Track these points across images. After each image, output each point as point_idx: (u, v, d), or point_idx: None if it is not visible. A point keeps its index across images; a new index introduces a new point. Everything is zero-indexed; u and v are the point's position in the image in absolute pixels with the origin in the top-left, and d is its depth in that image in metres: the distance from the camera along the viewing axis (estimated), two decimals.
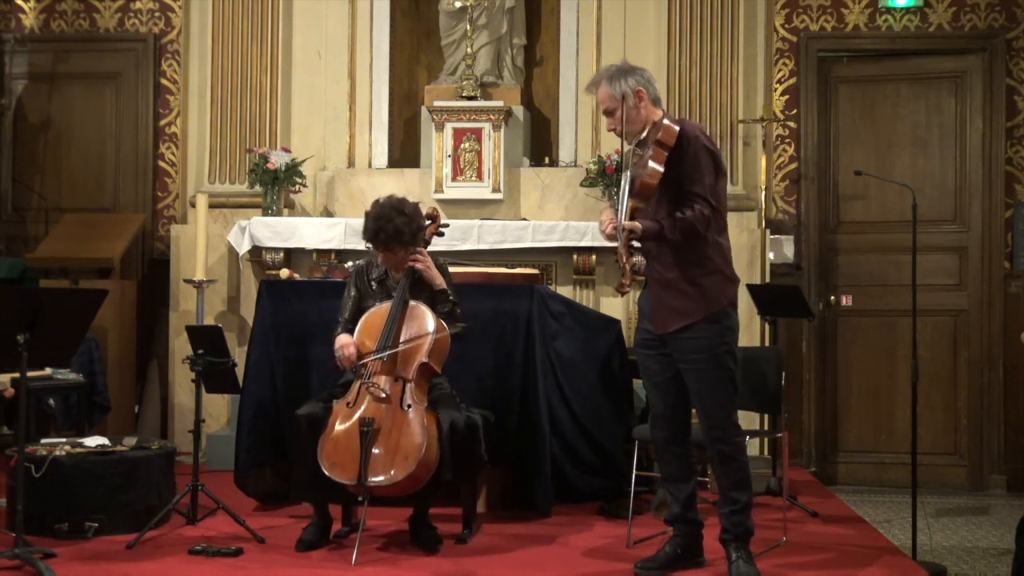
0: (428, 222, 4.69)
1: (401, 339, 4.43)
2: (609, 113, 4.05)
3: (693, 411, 4.16)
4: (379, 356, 4.40)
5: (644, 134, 4.01)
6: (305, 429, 4.42)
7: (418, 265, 4.54)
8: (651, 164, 3.83)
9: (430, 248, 4.71)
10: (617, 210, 3.89)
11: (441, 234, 4.78)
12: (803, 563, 4.37)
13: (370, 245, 4.60)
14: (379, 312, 4.52)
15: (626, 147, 4.09)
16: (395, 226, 4.48)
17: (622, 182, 3.94)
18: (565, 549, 4.54)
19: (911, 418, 5.28)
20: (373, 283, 4.69)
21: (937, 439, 6.90)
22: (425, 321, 4.47)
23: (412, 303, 4.51)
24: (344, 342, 4.51)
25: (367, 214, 4.58)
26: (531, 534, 4.75)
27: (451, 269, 5.04)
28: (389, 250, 4.54)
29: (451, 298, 4.61)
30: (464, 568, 4.21)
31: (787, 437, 5.23)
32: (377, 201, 4.60)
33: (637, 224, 3.84)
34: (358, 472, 4.18)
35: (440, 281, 4.58)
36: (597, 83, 4.08)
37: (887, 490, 6.76)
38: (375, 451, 4.22)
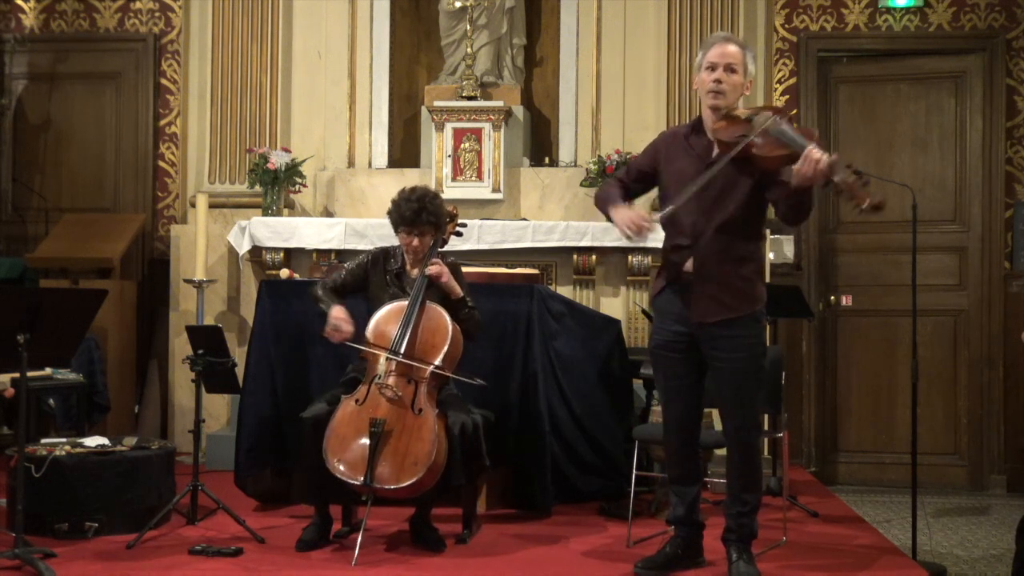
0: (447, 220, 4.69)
1: (417, 341, 4.40)
2: (731, 70, 3.94)
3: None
4: (392, 356, 4.35)
5: (754, 112, 3.93)
6: (310, 431, 4.39)
7: (434, 274, 4.49)
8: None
9: (447, 247, 4.70)
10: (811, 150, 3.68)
11: (459, 233, 4.78)
12: (803, 563, 4.37)
13: (403, 230, 4.54)
14: (395, 310, 4.47)
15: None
16: (434, 206, 4.52)
17: (780, 135, 3.77)
18: (565, 549, 4.54)
19: (911, 418, 5.27)
20: (389, 275, 4.64)
21: (937, 439, 6.90)
22: (442, 324, 4.44)
23: (429, 304, 4.48)
24: (341, 315, 4.45)
25: (398, 201, 4.55)
26: (531, 534, 4.75)
27: None
28: (423, 233, 4.53)
29: (469, 304, 4.59)
30: (464, 568, 4.21)
31: (787, 437, 5.23)
32: (404, 189, 4.61)
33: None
34: (365, 472, 4.17)
35: (457, 290, 4.55)
36: (730, 39, 4.01)
37: (887, 490, 6.76)
38: (384, 453, 4.20)
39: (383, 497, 4.27)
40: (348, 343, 4.45)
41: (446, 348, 4.39)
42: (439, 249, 4.65)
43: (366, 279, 4.66)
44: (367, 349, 4.42)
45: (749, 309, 3.97)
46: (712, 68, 3.96)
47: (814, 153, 3.65)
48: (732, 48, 3.97)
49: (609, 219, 4.10)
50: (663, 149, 4.11)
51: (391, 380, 4.33)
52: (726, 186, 3.90)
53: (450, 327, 4.43)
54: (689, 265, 3.99)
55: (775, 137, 3.79)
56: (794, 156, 3.71)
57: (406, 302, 4.48)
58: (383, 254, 4.70)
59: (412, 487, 4.21)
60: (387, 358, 4.36)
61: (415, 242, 4.55)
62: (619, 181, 4.17)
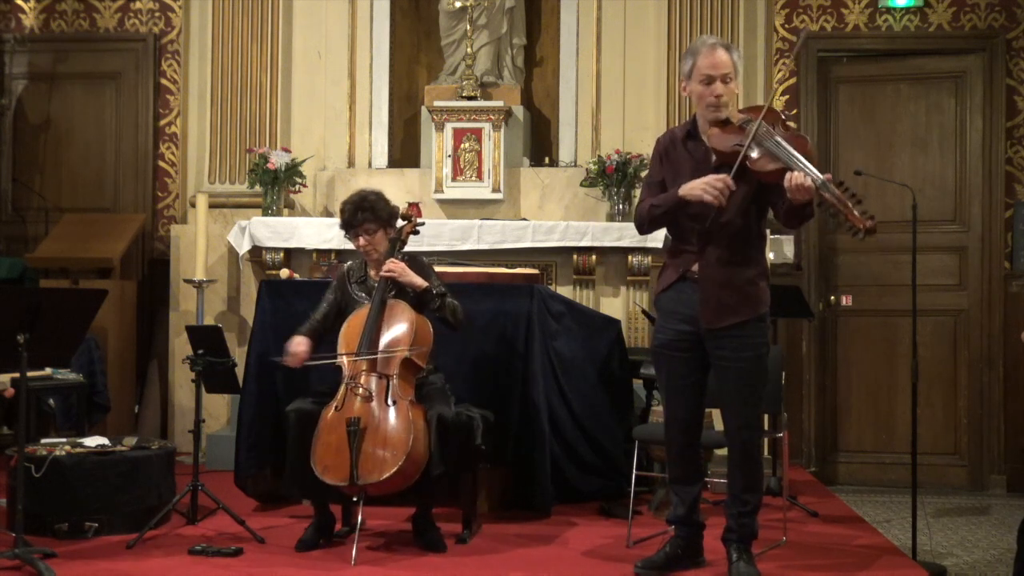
0: (404, 222, 4.70)
1: (381, 338, 4.45)
2: (727, 80, 3.95)
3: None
4: (359, 358, 4.41)
5: (744, 115, 3.97)
6: (294, 424, 4.44)
7: (391, 275, 4.53)
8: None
9: (408, 247, 4.72)
10: (803, 169, 3.73)
11: (417, 232, 4.79)
12: (803, 563, 4.37)
13: (350, 233, 4.65)
14: (359, 315, 4.55)
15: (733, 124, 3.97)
16: (370, 202, 4.59)
17: (773, 148, 3.80)
18: (565, 549, 4.54)
19: (911, 418, 5.27)
20: (355, 285, 4.72)
21: (937, 439, 6.90)
22: (404, 318, 4.48)
23: (391, 301, 4.53)
24: (296, 340, 4.59)
25: (341, 208, 4.67)
26: (531, 534, 4.76)
27: (452, 269, 5.04)
28: (368, 232, 4.59)
29: (435, 291, 4.59)
30: (464, 568, 4.22)
31: (787, 437, 5.23)
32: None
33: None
34: (349, 473, 4.20)
35: (419, 282, 4.57)
36: (718, 44, 3.98)
37: (887, 490, 6.75)
38: (364, 450, 4.23)
39: (374, 495, 4.28)
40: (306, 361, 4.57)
41: (411, 339, 4.43)
42: (401, 251, 4.69)
43: (342, 301, 4.72)
44: (321, 362, 4.51)
45: (756, 312, 3.99)
46: (709, 81, 3.95)
47: (797, 178, 3.70)
48: (724, 56, 3.96)
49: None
50: (664, 154, 4.11)
51: (362, 380, 4.39)
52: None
53: (412, 318, 4.48)
54: (695, 267, 4.01)
55: (768, 150, 3.81)
56: (788, 168, 3.75)
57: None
58: (346, 270, 4.80)
59: (396, 478, 4.22)
60: (354, 360, 4.42)
61: (362, 241, 4.63)
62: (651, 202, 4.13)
